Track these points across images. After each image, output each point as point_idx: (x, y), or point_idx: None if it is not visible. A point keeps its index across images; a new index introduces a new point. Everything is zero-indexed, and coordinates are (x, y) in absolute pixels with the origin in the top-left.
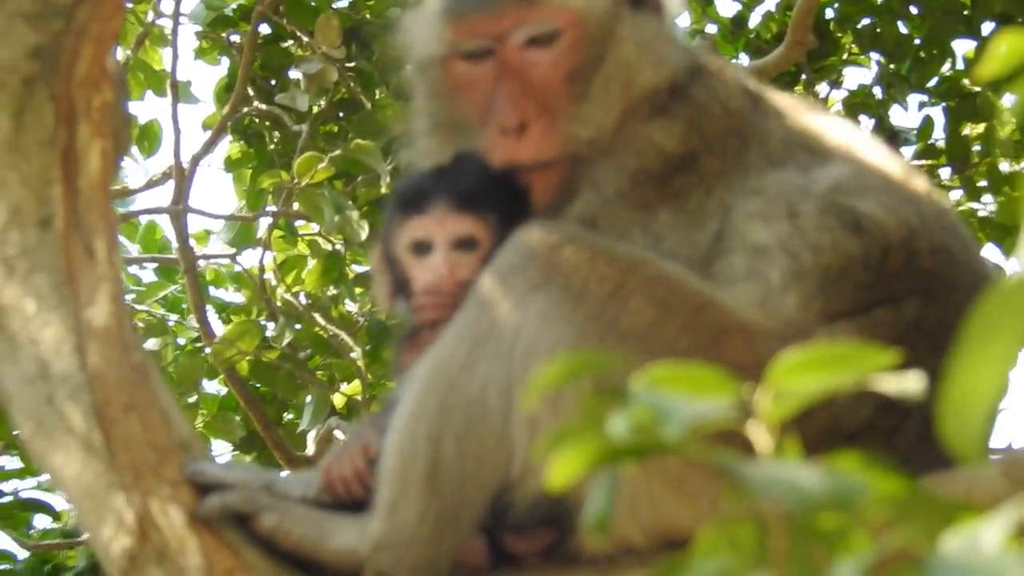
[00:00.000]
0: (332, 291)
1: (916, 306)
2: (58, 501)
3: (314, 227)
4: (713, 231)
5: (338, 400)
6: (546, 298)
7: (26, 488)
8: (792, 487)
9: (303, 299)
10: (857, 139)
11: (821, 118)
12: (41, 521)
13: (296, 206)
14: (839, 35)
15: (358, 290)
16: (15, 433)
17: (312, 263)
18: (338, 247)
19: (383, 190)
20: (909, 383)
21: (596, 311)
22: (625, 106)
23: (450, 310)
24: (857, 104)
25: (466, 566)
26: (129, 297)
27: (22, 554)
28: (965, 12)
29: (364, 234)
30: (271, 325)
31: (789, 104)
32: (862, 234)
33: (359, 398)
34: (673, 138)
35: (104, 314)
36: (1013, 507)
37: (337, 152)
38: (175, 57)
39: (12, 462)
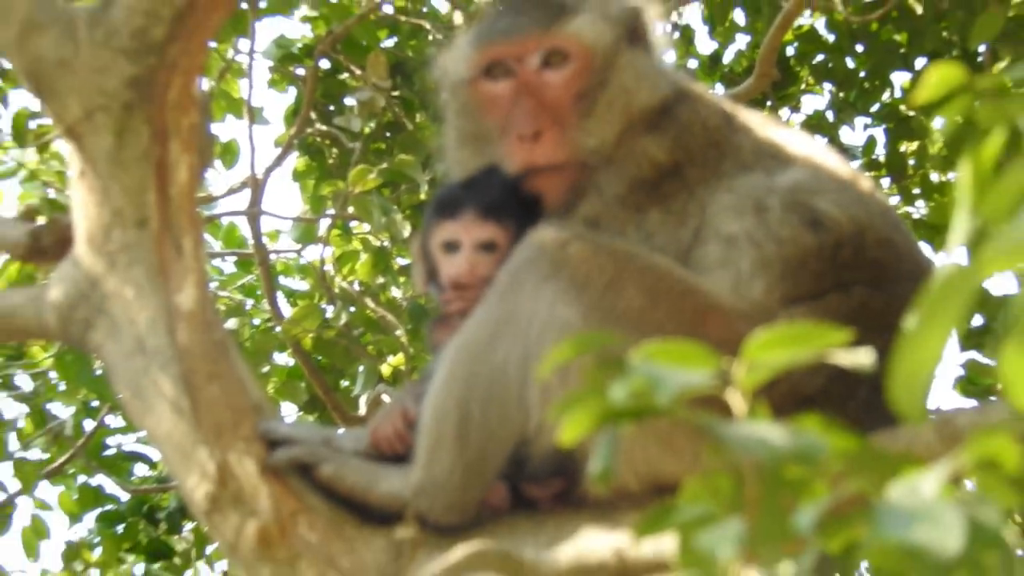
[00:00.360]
0: (380, 280)
1: (863, 292)
2: (154, 453)
3: (365, 227)
4: (693, 228)
5: (385, 370)
6: (555, 288)
7: (128, 442)
8: (763, 444)
9: (356, 287)
10: (814, 149)
11: (784, 131)
12: (140, 469)
13: (351, 210)
14: (798, 69)
15: (402, 279)
16: (118, 397)
17: (364, 257)
18: (385, 244)
19: (422, 196)
20: (860, 358)
21: (597, 298)
22: (624, 123)
23: (472, 302)
24: (813, 126)
25: (490, 507)
26: (212, 285)
27: (124, 497)
28: (902, 50)
29: (406, 233)
30: (330, 308)
31: (757, 120)
32: (818, 229)
33: (403, 368)
34: (662, 150)
35: (190, 299)
36: (947, 461)
37: (384, 166)
38: (251, 87)
39: (116, 421)
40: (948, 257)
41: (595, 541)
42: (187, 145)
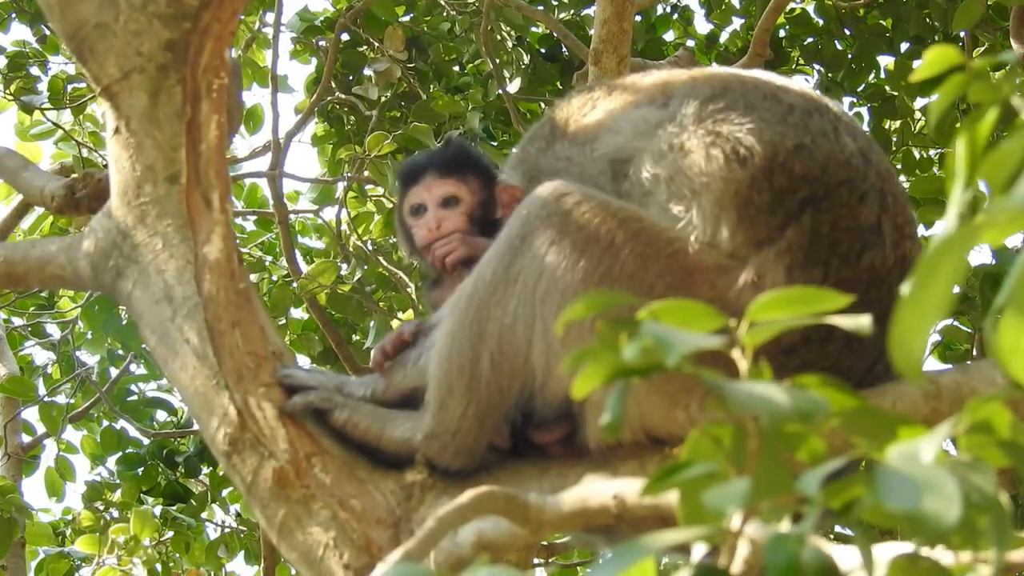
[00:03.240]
0: (392, 240)
1: (809, 215)
2: (175, 400)
3: (379, 190)
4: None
5: (395, 325)
6: (561, 250)
7: (150, 389)
8: (767, 402)
9: (370, 246)
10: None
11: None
12: (160, 415)
13: (366, 174)
14: (789, 50)
15: None
16: (143, 347)
17: (378, 218)
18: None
19: None
20: (861, 322)
21: (596, 261)
22: None
23: (454, 253)
24: None
25: (495, 449)
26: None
27: (145, 441)
28: (887, 34)
29: None
30: (345, 266)
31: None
32: (742, 163)
33: None
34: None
35: (216, 250)
36: (943, 425)
37: (399, 132)
38: (275, 57)
39: (139, 369)
40: (945, 224)
41: (596, 486)
42: (217, 106)
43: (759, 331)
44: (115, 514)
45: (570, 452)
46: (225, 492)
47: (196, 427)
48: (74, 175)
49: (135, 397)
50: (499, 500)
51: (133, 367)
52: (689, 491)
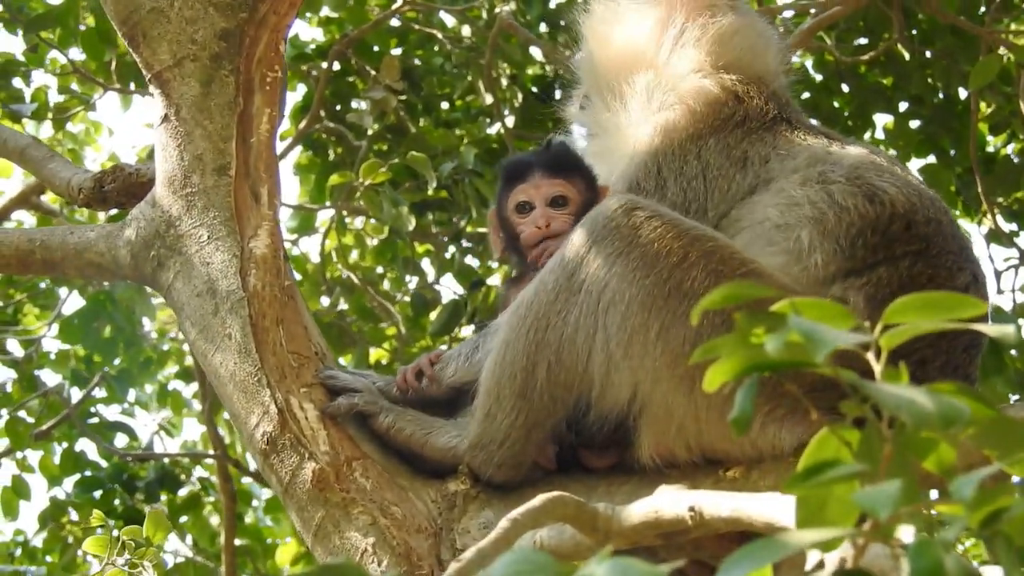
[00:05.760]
0: (379, 270)
1: (910, 263)
2: (137, 424)
3: (358, 223)
4: (752, 176)
5: (374, 356)
6: (626, 264)
7: (111, 413)
8: (913, 404)
9: (353, 276)
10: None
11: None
12: (120, 440)
13: (358, 203)
14: None
15: (391, 274)
16: (105, 370)
17: (374, 243)
18: (382, 237)
19: (429, 193)
20: (1007, 330)
21: (665, 277)
22: None
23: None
24: None
25: (540, 466)
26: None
27: (104, 464)
28: (887, 92)
29: (411, 226)
30: (326, 298)
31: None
32: (875, 203)
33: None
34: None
35: (263, 245)
36: None
37: (395, 160)
38: None
39: (100, 392)
40: None
41: (670, 497)
42: (270, 99)
43: (897, 333)
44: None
45: (615, 471)
46: (183, 519)
47: (159, 451)
48: (103, 167)
49: (96, 420)
50: (569, 506)
51: (96, 392)
52: (816, 494)
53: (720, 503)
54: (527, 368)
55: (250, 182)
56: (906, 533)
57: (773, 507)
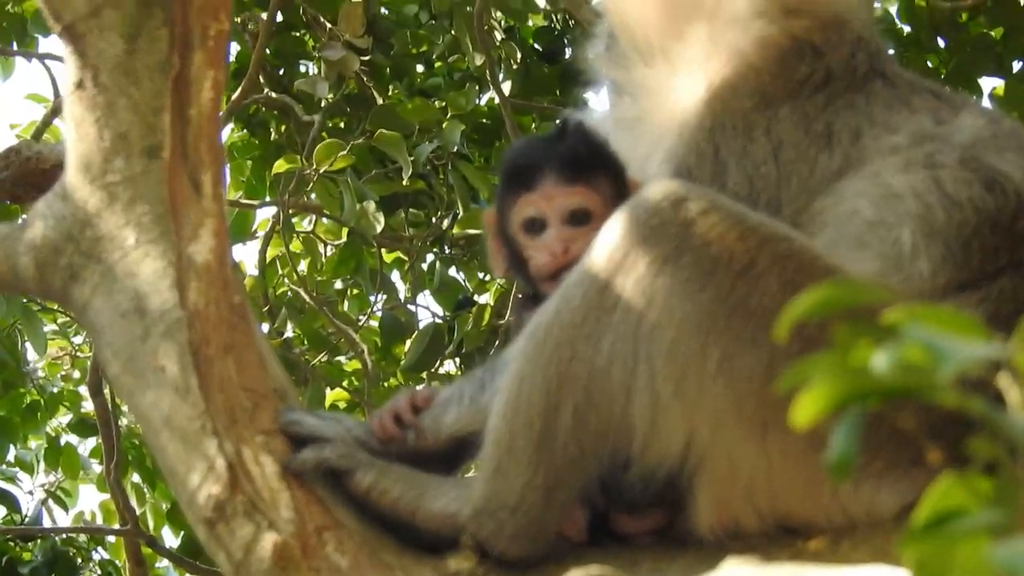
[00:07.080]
0: (340, 285)
1: None
2: (19, 492)
3: (307, 224)
4: (840, 158)
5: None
6: (674, 273)
7: None
8: None
9: (305, 295)
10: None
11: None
12: None
13: (309, 198)
14: None
15: (353, 292)
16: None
17: (331, 251)
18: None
19: (404, 183)
20: None
21: (726, 291)
22: None
23: None
24: None
25: (564, 538)
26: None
27: None
28: (995, 47)
29: (379, 227)
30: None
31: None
32: (996, 194)
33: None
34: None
35: (207, 250)
36: None
37: (360, 140)
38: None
39: None
40: None
41: (739, 575)
42: (214, 58)
43: None
44: None
45: (663, 543)
46: None
47: (48, 526)
48: None
49: None
50: None
51: None
52: (938, 556)
53: None
54: (548, 411)
55: (189, 167)
56: None
57: None
